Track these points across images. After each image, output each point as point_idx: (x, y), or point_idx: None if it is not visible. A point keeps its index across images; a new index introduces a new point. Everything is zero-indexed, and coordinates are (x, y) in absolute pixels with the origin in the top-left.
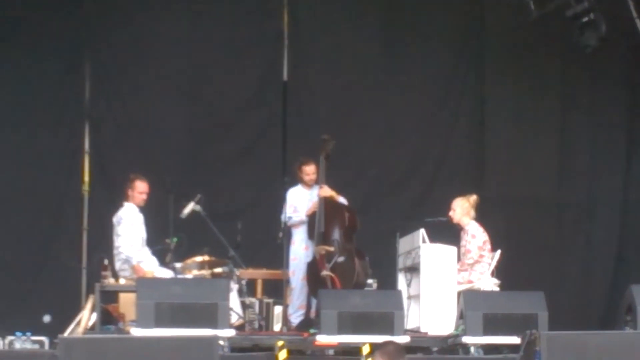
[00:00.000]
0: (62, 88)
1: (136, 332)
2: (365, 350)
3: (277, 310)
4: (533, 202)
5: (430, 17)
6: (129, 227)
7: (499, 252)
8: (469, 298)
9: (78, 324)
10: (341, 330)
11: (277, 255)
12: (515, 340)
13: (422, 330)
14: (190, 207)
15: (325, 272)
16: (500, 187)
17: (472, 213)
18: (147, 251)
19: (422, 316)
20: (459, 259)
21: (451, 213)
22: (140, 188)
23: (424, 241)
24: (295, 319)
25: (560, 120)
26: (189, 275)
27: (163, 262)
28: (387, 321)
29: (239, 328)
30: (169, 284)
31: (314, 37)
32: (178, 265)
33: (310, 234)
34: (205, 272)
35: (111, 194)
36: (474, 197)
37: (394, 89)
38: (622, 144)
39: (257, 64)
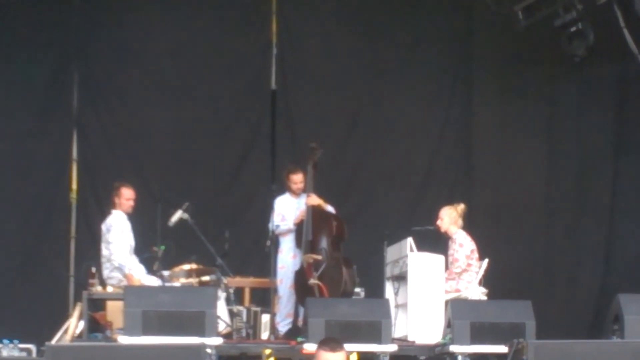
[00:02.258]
0: (49, 96)
1: (123, 340)
2: (353, 358)
3: (265, 318)
4: (521, 211)
5: (419, 26)
6: (120, 234)
7: (486, 260)
8: (457, 307)
9: (65, 331)
10: None
11: (265, 264)
12: (502, 349)
13: (410, 339)
14: (178, 215)
15: (313, 281)
16: (488, 195)
17: (460, 222)
18: (134, 259)
19: (409, 325)
20: (446, 268)
21: (439, 222)
22: (127, 195)
23: (411, 250)
24: (283, 327)
25: (548, 130)
26: (176, 284)
27: (151, 270)
28: (374, 330)
29: (227, 336)
30: (157, 292)
31: (302, 46)
32: (166, 273)
33: (298, 243)
34: (193, 280)
35: (99, 201)
36: (461, 206)
37: (382, 98)
38: (610, 152)
39: (245, 73)
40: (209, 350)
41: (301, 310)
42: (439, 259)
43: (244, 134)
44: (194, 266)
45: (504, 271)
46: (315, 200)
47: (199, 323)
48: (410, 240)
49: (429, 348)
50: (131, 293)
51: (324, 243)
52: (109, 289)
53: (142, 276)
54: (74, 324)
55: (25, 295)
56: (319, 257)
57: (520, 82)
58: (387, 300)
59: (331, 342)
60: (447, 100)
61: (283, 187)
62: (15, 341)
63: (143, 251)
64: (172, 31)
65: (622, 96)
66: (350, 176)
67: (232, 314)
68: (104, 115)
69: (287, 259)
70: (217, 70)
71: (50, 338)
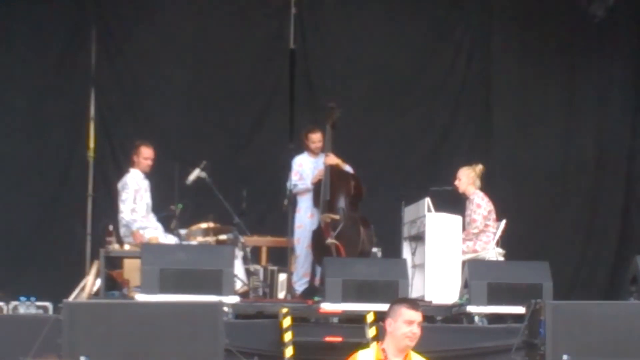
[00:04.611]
0: (67, 54)
1: (140, 297)
2: (370, 318)
3: (282, 277)
4: (539, 172)
5: None
6: (132, 193)
7: (504, 221)
8: (474, 267)
9: (82, 289)
10: (345, 298)
11: (282, 223)
12: (519, 310)
13: (427, 299)
14: (195, 173)
15: (330, 240)
16: (507, 156)
17: (478, 182)
18: (152, 218)
19: (426, 285)
20: (464, 229)
21: (457, 182)
22: (145, 154)
23: (429, 210)
24: (300, 286)
25: (567, 91)
26: (193, 242)
27: (168, 229)
28: (391, 290)
29: (244, 295)
30: (174, 250)
31: (320, 5)
32: (183, 231)
33: (316, 202)
34: (210, 239)
35: (116, 160)
36: (479, 167)
37: (400, 57)
38: (630, 113)
39: (264, 32)
40: (225, 309)
41: (318, 270)
42: (456, 219)
43: (262, 93)
44: (211, 225)
45: (521, 232)
46: (333, 159)
47: (216, 281)
48: (427, 201)
49: (446, 308)
50: (148, 251)
51: (341, 203)
52: (126, 247)
53: (159, 235)
54: (91, 282)
55: (43, 253)
56: (337, 217)
57: (540, 42)
58: (404, 260)
59: (412, 301)
60: (466, 60)
61: (301, 147)
62: (32, 298)
63: (161, 210)
64: None
65: None
66: (369, 136)
67: (249, 273)
68: (121, 74)
69: (305, 218)
70: (236, 29)
71: (67, 296)
